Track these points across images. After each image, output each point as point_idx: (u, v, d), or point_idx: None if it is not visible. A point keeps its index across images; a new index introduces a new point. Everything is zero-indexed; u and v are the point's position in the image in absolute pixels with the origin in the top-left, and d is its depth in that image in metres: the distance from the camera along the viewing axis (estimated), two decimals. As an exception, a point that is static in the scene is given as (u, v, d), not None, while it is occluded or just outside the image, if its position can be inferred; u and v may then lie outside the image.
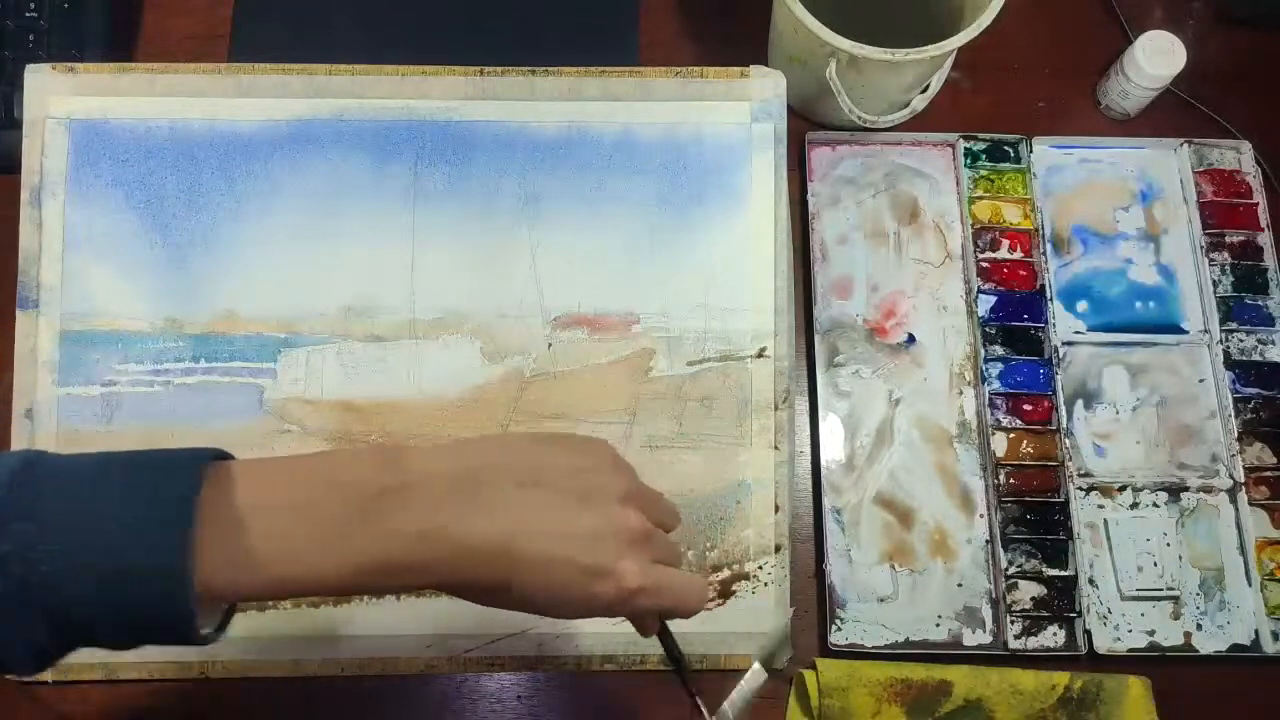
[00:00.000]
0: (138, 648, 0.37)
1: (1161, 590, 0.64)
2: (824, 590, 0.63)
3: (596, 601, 0.41)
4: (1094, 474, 0.66)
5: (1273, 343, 0.68)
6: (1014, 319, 0.68)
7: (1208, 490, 0.66)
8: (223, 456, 0.39)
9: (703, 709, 0.49)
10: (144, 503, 0.35)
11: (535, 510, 0.40)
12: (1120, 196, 0.71)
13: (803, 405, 0.67)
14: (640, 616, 0.44)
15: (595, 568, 0.40)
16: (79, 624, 0.35)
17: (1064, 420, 0.66)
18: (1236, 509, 0.65)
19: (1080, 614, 0.63)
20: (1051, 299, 0.69)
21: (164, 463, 0.37)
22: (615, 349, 0.64)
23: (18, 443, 0.61)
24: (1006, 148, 0.71)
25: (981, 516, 0.65)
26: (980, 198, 0.70)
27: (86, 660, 0.59)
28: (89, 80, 0.64)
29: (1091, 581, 0.64)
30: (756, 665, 0.51)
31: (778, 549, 0.62)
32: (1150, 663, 0.62)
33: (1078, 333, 0.68)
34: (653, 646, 0.61)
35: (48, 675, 0.59)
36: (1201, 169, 0.71)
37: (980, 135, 0.71)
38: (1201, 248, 0.70)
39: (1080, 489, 0.65)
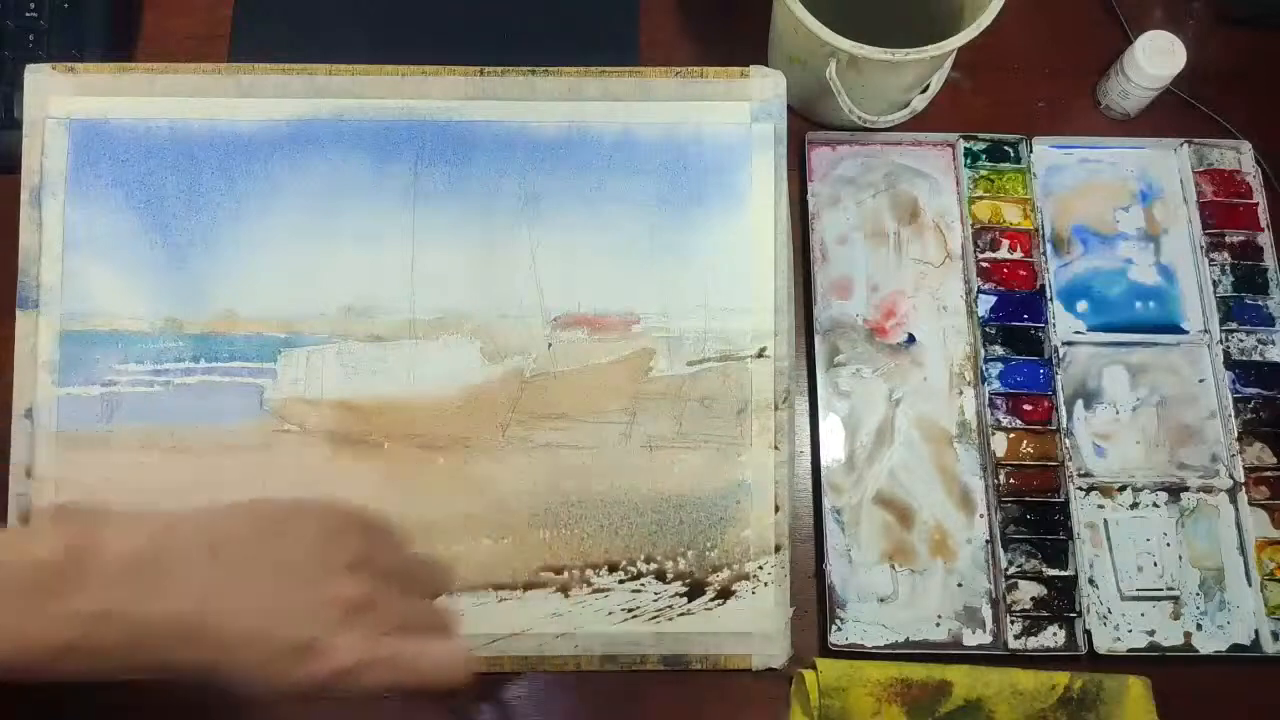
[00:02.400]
0: None
1: (1161, 590, 0.64)
2: (824, 590, 0.63)
3: (309, 680, 0.38)
4: (1094, 474, 0.66)
5: (1273, 343, 0.68)
6: (1014, 319, 0.68)
7: (1208, 490, 0.66)
8: None
9: None
10: None
11: (228, 586, 0.37)
12: (1120, 196, 0.71)
13: (803, 405, 0.67)
14: (384, 693, 0.40)
15: (299, 644, 0.37)
16: None
17: (1064, 420, 0.66)
18: (1236, 509, 0.65)
19: (1080, 614, 0.63)
20: (1051, 299, 0.69)
21: None
22: (615, 349, 0.64)
23: (18, 442, 0.61)
24: (1006, 148, 0.71)
25: (981, 516, 0.65)
26: (980, 198, 0.70)
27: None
28: (89, 80, 0.64)
29: (1091, 581, 0.64)
30: None
31: (778, 549, 0.62)
32: (1150, 663, 0.62)
33: (1078, 333, 0.68)
34: (653, 647, 0.61)
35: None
36: (1201, 169, 0.71)
37: (980, 135, 0.71)
38: (1201, 248, 0.70)
39: (1080, 489, 0.65)
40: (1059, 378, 0.67)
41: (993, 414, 0.66)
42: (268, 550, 0.39)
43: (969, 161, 0.71)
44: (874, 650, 0.62)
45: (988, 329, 0.68)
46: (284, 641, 0.38)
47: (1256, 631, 0.63)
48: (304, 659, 0.38)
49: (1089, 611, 0.63)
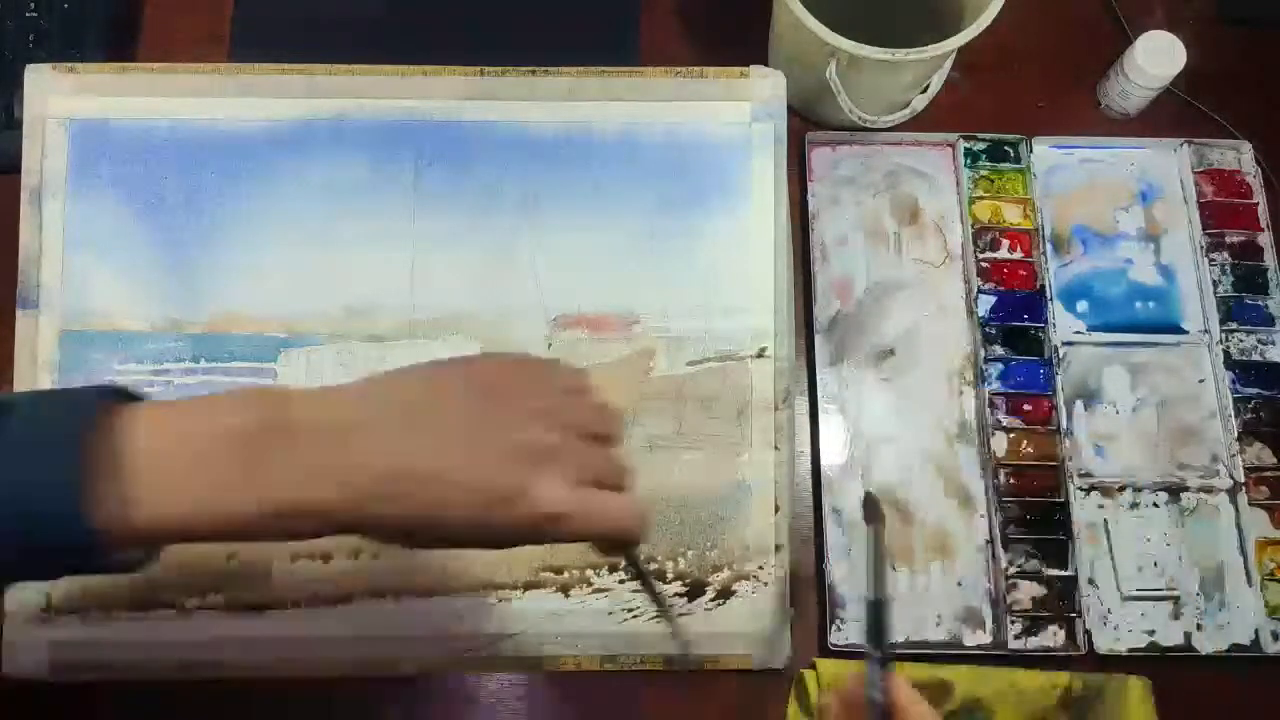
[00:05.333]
0: (55, 578, 0.37)
1: (1161, 590, 0.64)
2: (824, 590, 0.63)
3: (511, 529, 0.39)
4: (1094, 474, 0.66)
5: (1273, 343, 0.68)
6: (1014, 319, 0.68)
7: (1208, 490, 0.66)
8: (127, 395, 0.38)
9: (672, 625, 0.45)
10: (38, 437, 0.35)
11: (429, 440, 0.39)
12: (1120, 196, 0.71)
13: (803, 405, 0.67)
14: (577, 541, 0.41)
15: (503, 492, 0.38)
16: None
17: (1064, 420, 0.66)
18: (1236, 509, 0.65)
19: (1080, 614, 0.63)
20: (1051, 299, 0.69)
21: (58, 399, 0.37)
22: (615, 349, 0.64)
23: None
24: (1006, 148, 0.71)
25: (981, 516, 0.65)
26: (980, 198, 0.70)
27: (87, 660, 0.59)
28: (89, 80, 0.64)
29: (1091, 581, 0.64)
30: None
31: (778, 549, 0.62)
32: (1150, 663, 0.62)
33: (1078, 333, 0.68)
34: (653, 646, 0.61)
35: (47, 675, 0.59)
36: (1201, 169, 0.71)
37: (980, 135, 0.71)
38: (1201, 248, 0.70)
39: (1080, 489, 0.65)
40: (1059, 378, 0.67)
41: (993, 414, 0.66)
42: (464, 404, 0.40)
43: (969, 161, 0.71)
44: (874, 650, 0.62)
45: (988, 329, 0.68)
46: (490, 490, 0.38)
47: (1256, 631, 0.63)
48: (510, 506, 0.38)
49: (1089, 611, 0.63)
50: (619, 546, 0.43)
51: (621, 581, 0.62)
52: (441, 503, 0.38)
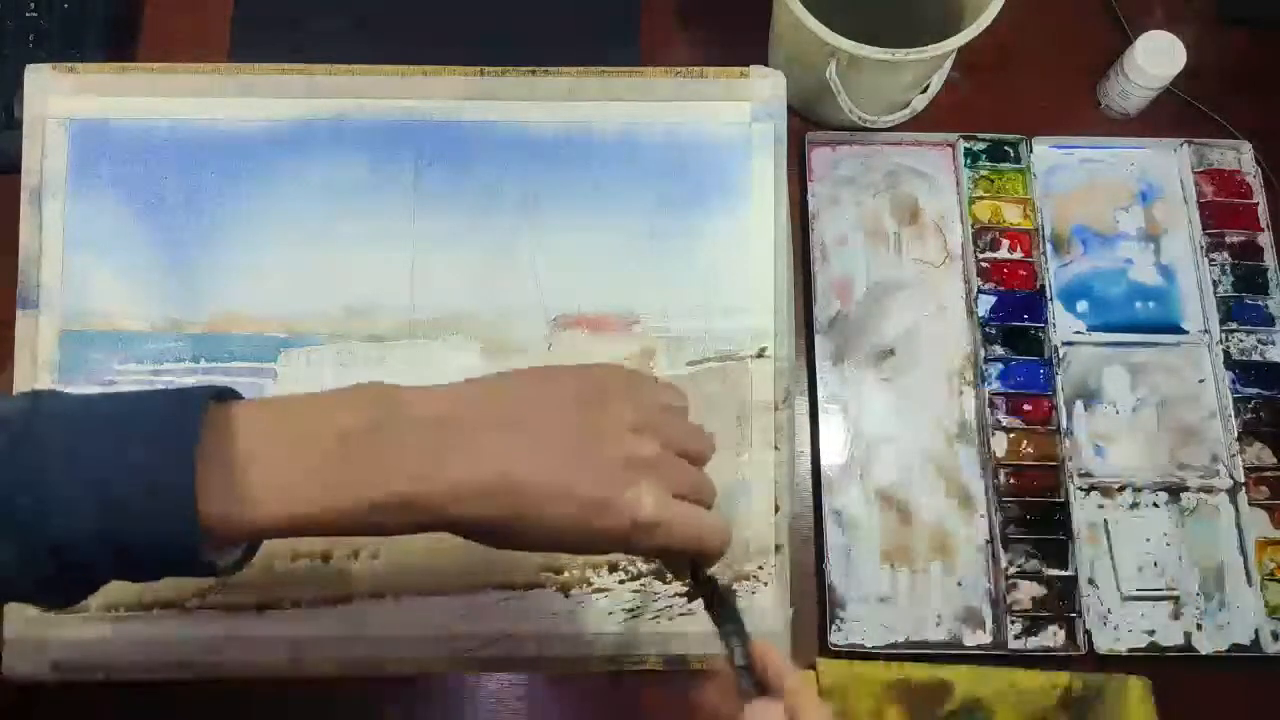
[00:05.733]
0: (151, 580, 0.37)
1: (1161, 590, 0.64)
2: (824, 590, 0.63)
3: (605, 535, 0.40)
4: (1094, 474, 0.66)
5: (1273, 343, 0.68)
6: (1014, 319, 0.68)
7: (1208, 490, 0.66)
8: (225, 394, 0.39)
9: (736, 661, 0.45)
10: (150, 435, 0.36)
11: (535, 444, 0.39)
12: (1120, 196, 0.71)
13: (803, 405, 0.67)
14: (660, 555, 0.43)
15: (599, 500, 0.39)
16: (85, 553, 0.35)
17: (1064, 420, 0.66)
18: (1236, 509, 0.65)
19: (1080, 614, 0.63)
20: (1051, 299, 0.69)
21: (168, 399, 0.37)
22: (615, 349, 0.64)
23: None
24: (1006, 148, 0.71)
25: (981, 516, 0.65)
26: (980, 198, 0.70)
27: (87, 660, 0.59)
28: (89, 80, 0.64)
29: (1091, 581, 0.64)
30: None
31: (778, 549, 0.62)
32: (1150, 663, 0.62)
33: (1078, 333, 0.68)
34: (653, 647, 0.61)
35: (48, 675, 0.59)
36: (1201, 169, 0.71)
37: (980, 135, 0.71)
38: (1201, 248, 0.70)
39: (1080, 489, 0.65)
40: (1059, 378, 0.67)
41: (993, 414, 0.66)
42: (570, 411, 0.41)
43: (969, 161, 0.71)
44: (874, 650, 0.62)
45: (988, 329, 0.68)
46: (591, 496, 0.39)
47: (1256, 631, 0.63)
48: (608, 512, 0.39)
49: (1089, 611, 0.63)
50: (693, 561, 0.43)
51: (621, 582, 0.62)
52: (543, 505, 0.39)
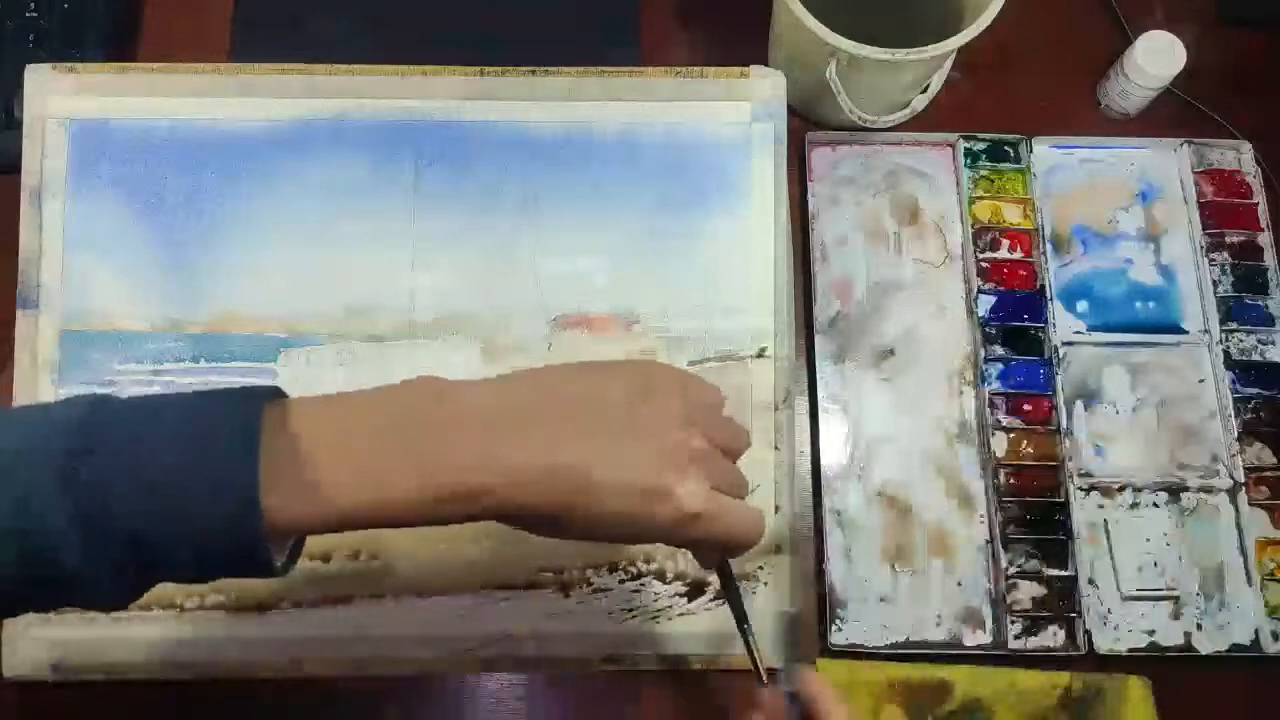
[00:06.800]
0: (212, 579, 0.38)
1: (1161, 590, 0.64)
2: (824, 590, 0.63)
3: (655, 525, 0.40)
4: (1094, 474, 0.66)
5: (1273, 343, 0.68)
6: (1014, 319, 0.68)
7: (1208, 490, 0.66)
8: (279, 393, 0.40)
9: (758, 661, 0.47)
10: (212, 434, 0.36)
11: (589, 435, 0.40)
12: (1120, 196, 0.71)
13: (803, 405, 0.67)
14: (697, 545, 0.44)
15: (655, 489, 0.40)
16: (155, 553, 0.36)
17: (1064, 420, 0.66)
18: (1236, 509, 0.65)
19: (1080, 614, 0.63)
20: (1051, 299, 0.69)
21: (228, 397, 0.38)
22: (615, 349, 0.64)
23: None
24: (1006, 148, 0.71)
25: (981, 516, 0.65)
26: (980, 198, 0.70)
27: (87, 660, 0.59)
28: (89, 80, 0.64)
29: (1091, 581, 0.64)
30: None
31: (778, 549, 0.62)
32: (1150, 663, 0.62)
33: (1078, 333, 0.68)
34: (653, 647, 0.61)
35: (48, 675, 0.59)
36: (1201, 169, 0.71)
37: (980, 135, 0.71)
38: (1201, 248, 0.70)
39: (1080, 489, 0.65)
40: (1059, 378, 0.67)
41: (993, 414, 0.66)
42: (624, 403, 0.41)
43: (969, 161, 0.71)
44: (874, 650, 0.62)
45: (988, 329, 0.68)
46: (645, 486, 0.40)
47: (1256, 631, 0.63)
48: (660, 502, 0.40)
49: (1089, 611, 0.63)
50: (728, 552, 0.45)
51: (621, 582, 0.62)
52: (598, 494, 0.39)
